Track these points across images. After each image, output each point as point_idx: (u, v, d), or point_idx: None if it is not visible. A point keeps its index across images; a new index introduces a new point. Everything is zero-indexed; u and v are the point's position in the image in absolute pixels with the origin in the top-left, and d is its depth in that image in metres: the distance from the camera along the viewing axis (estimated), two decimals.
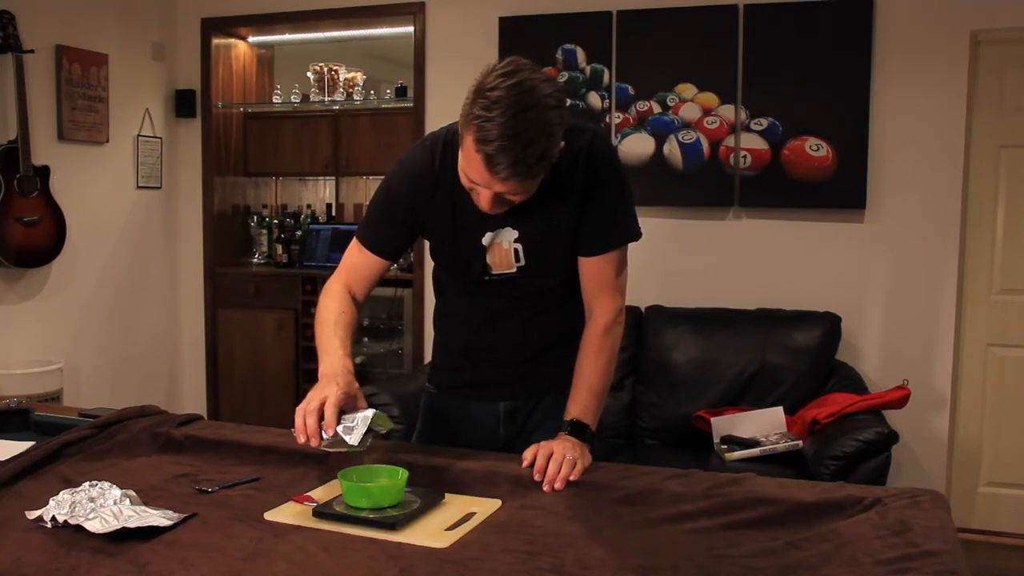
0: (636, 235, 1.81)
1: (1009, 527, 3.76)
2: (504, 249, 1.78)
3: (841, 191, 3.77)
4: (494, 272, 1.81)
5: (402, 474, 1.53)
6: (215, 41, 4.87)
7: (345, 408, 1.57)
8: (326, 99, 4.84)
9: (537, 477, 1.63)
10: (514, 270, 1.80)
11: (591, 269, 1.81)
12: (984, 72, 3.69)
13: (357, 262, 1.89)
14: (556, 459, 1.64)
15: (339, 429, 1.52)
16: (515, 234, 1.77)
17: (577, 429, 1.75)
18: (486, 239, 1.78)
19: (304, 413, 1.54)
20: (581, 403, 1.78)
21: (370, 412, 1.55)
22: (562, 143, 1.59)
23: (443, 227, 1.82)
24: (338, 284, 1.87)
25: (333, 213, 5.13)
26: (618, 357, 1.86)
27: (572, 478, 1.63)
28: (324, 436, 1.54)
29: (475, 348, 1.95)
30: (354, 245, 1.91)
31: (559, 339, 1.90)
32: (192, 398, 5.03)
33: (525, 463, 1.67)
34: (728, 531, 1.41)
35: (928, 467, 3.75)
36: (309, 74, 4.88)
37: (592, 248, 1.79)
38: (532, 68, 1.55)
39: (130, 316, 4.69)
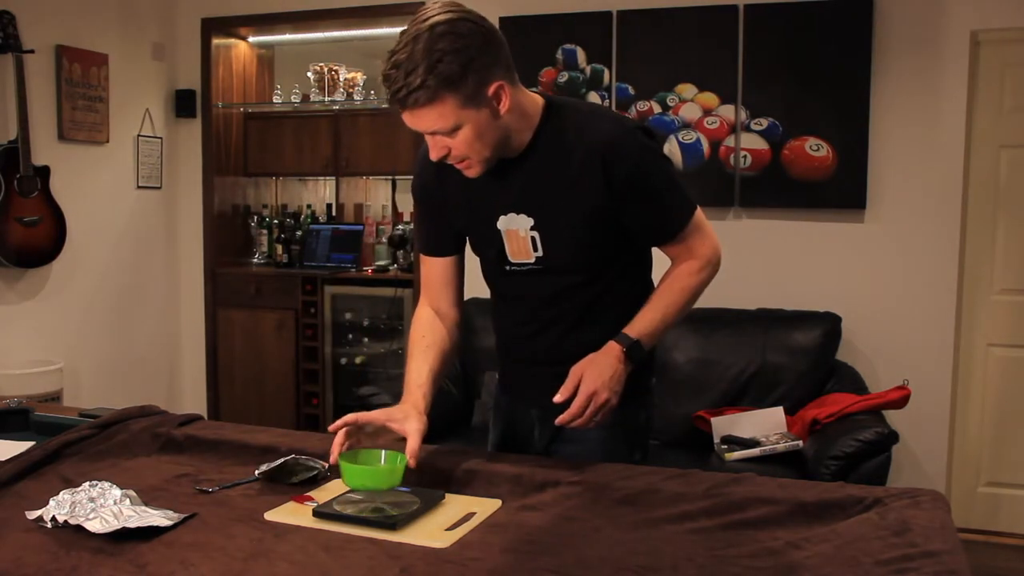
0: (690, 212, 1.75)
1: (1009, 527, 3.76)
2: (521, 237, 1.75)
3: (841, 191, 3.77)
4: (513, 261, 1.78)
5: (401, 459, 1.54)
6: (215, 41, 4.87)
7: (382, 430, 1.66)
8: (326, 99, 4.84)
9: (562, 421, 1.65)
10: (532, 260, 1.76)
11: (668, 253, 1.79)
12: (984, 72, 3.69)
13: (427, 274, 1.90)
14: (588, 401, 1.63)
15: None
16: (530, 221, 1.73)
17: (625, 341, 1.69)
18: (501, 223, 1.75)
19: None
20: (639, 317, 1.73)
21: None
22: (488, 80, 1.55)
23: (460, 210, 1.81)
24: (420, 308, 1.90)
25: (333, 213, 5.13)
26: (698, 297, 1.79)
27: (598, 420, 1.65)
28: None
29: (509, 349, 1.94)
30: (420, 259, 1.93)
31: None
32: (192, 398, 5.03)
33: (560, 398, 1.64)
34: (728, 531, 1.41)
35: (928, 467, 3.75)
36: (309, 74, 4.88)
37: (660, 239, 1.78)
38: (447, 8, 1.53)
39: (130, 316, 4.69)
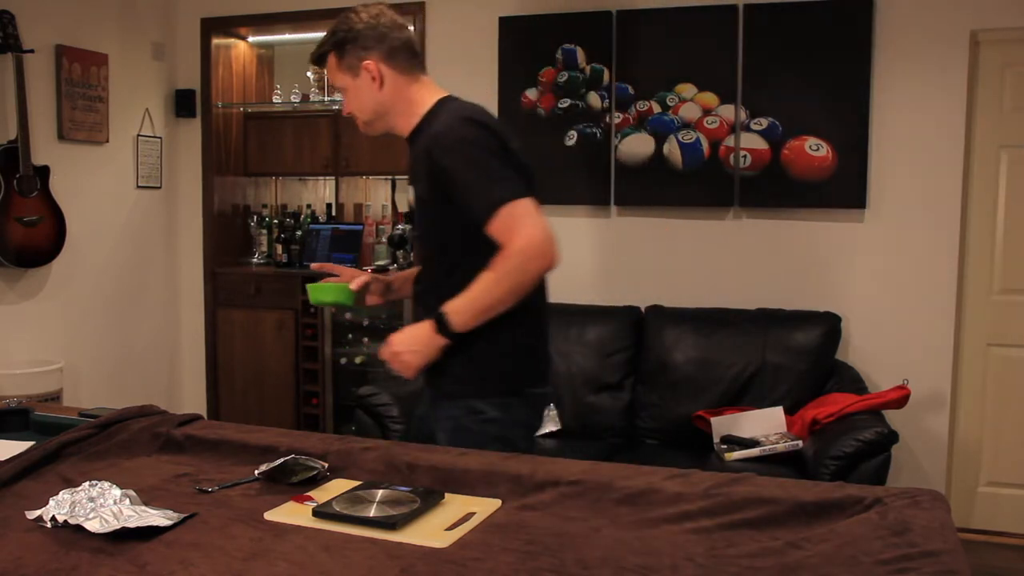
0: (494, 205, 1.88)
1: (1009, 527, 3.76)
2: (412, 207, 2.19)
3: (841, 191, 3.77)
4: (411, 227, 2.16)
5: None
6: (215, 41, 4.87)
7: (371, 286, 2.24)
8: (326, 99, 4.84)
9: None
10: (413, 227, 2.17)
11: (495, 240, 1.92)
12: (984, 72, 3.69)
13: None
14: (391, 355, 2.01)
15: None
16: (411, 193, 2.13)
17: (437, 315, 1.96)
18: (410, 193, 2.18)
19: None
20: (457, 297, 1.94)
21: None
22: (365, 57, 2.04)
23: None
24: None
25: (333, 213, 5.12)
26: (520, 286, 1.92)
27: (402, 371, 2.01)
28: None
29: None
30: None
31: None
32: (192, 398, 5.03)
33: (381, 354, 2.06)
34: (728, 531, 1.41)
35: (928, 467, 3.75)
36: (309, 74, 4.87)
37: (479, 224, 1.92)
38: (363, 5, 2.08)
39: (130, 316, 4.69)
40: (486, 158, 1.93)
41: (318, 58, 2.11)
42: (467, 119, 1.98)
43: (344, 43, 2.05)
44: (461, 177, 1.93)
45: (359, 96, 2.08)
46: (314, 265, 2.29)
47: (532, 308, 2.02)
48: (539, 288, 2.02)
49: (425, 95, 2.08)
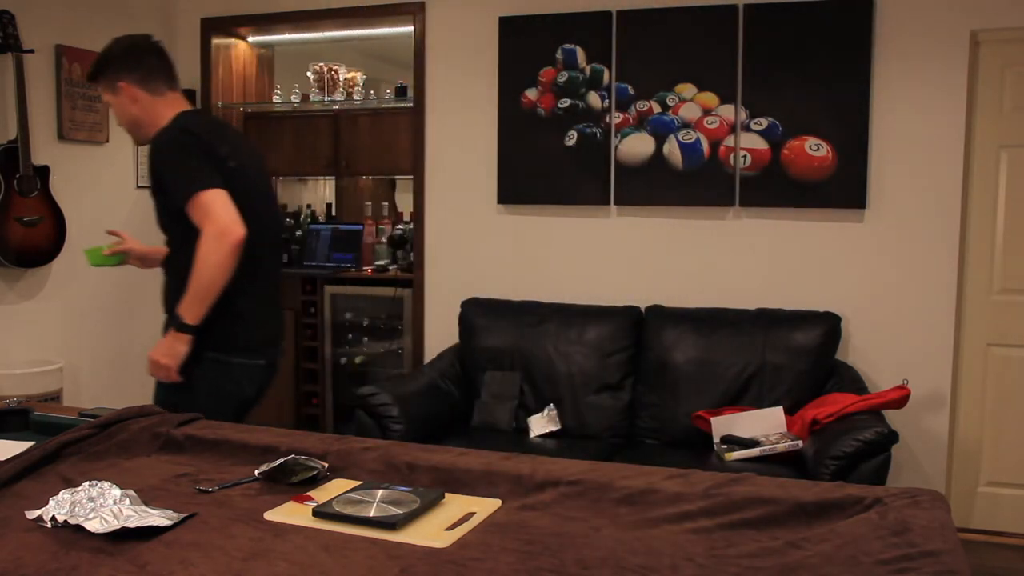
0: (187, 197, 2.29)
1: (1009, 527, 3.76)
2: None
3: (841, 191, 3.77)
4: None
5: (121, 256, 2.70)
6: (215, 41, 4.87)
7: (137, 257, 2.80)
8: (326, 99, 4.84)
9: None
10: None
11: None
12: (984, 72, 3.69)
13: None
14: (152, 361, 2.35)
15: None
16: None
17: (172, 320, 2.34)
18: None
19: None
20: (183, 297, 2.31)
21: None
22: (121, 79, 2.47)
23: None
24: None
25: (333, 213, 5.13)
26: (219, 265, 2.28)
27: (160, 374, 2.34)
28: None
29: None
30: None
31: (172, 303, 2.39)
32: None
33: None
34: (728, 531, 1.41)
35: (928, 467, 3.75)
36: (309, 74, 4.88)
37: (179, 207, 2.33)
38: (131, 34, 2.56)
39: (130, 316, 4.69)
40: (185, 158, 2.34)
41: (90, 76, 2.54)
42: (178, 127, 2.41)
43: (107, 66, 2.49)
44: (166, 173, 2.35)
45: (120, 110, 2.53)
46: (107, 230, 2.86)
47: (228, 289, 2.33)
48: (240, 268, 2.33)
49: (168, 111, 2.49)
